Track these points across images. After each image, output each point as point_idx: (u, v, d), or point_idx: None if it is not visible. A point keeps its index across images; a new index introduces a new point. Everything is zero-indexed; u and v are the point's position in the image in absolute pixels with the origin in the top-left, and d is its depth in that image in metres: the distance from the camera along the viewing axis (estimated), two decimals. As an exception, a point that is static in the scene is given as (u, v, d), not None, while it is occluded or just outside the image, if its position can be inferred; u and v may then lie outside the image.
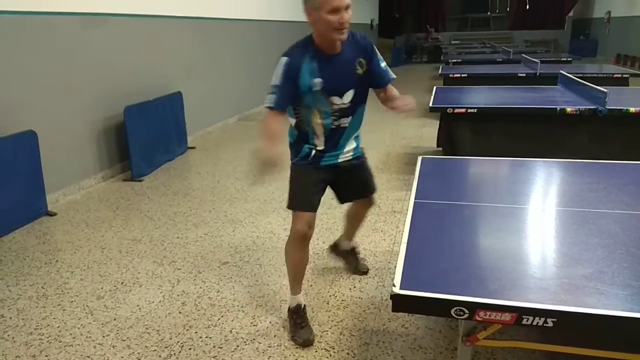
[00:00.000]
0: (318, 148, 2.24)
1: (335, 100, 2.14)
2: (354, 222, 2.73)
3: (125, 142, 4.79)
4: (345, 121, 2.22)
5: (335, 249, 2.90)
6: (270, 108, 2.06)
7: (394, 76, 2.29)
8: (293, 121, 2.23)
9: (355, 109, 2.23)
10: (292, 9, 9.76)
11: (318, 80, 2.06)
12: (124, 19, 5.03)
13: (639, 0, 14.86)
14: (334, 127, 2.21)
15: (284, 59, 2.04)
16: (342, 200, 2.52)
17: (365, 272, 2.86)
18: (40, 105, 4.07)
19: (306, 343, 2.26)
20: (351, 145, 2.33)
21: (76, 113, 4.47)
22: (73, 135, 4.46)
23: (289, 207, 2.27)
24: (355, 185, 2.44)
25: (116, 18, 4.92)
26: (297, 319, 2.33)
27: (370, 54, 2.20)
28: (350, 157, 2.33)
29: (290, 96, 2.08)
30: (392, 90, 2.28)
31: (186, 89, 5.98)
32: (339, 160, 2.30)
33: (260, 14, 8.53)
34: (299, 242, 2.26)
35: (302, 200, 2.25)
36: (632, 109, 3.90)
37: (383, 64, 2.26)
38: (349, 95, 2.16)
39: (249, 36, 8.18)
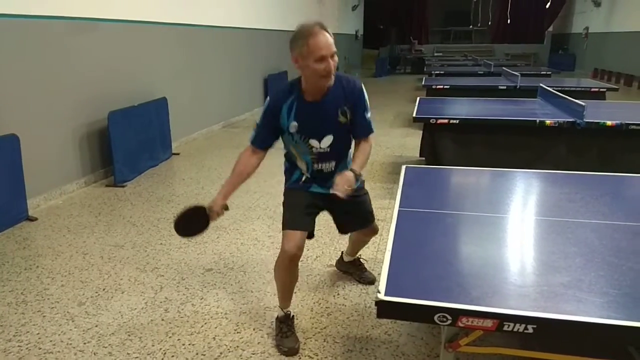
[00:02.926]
0: (307, 176, 2.32)
1: (314, 143, 2.20)
2: (356, 245, 2.84)
3: (108, 148, 4.75)
4: (329, 166, 2.27)
5: (339, 262, 3.00)
6: (250, 143, 2.25)
7: (373, 130, 2.25)
8: (284, 151, 2.36)
9: (339, 155, 2.27)
10: (278, 18, 9.83)
11: (294, 123, 2.15)
12: (109, 24, 5.00)
13: (616, 17, 15.32)
14: (316, 169, 2.27)
15: (267, 100, 2.19)
16: (341, 231, 2.58)
17: (371, 282, 2.86)
18: (22, 108, 4.02)
19: (291, 352, 2.26)
20: None
21: (59, 117, 4.42)
22: (56, 140, 4.41)
23: (282, 227, 2.28)
24: (353, 218, 2.46)
25: (102, 23, 4.89)
26: (284, 327, 2.34)
27: (356, 101, 2.17)
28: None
29: (269, 135, 2.22)
30: (362, 147, 2.22)
31: (171, 95, 5.96)
32: (330, 191, 2.24)
33: (247, 22, 8.56)
34: (287, 262, 2.24)
35: (291, 219, 2.25)
36: (608, 122, 4.01)
37: (367, 115, 2.21)
38: (327, 141, 2.20)
39: (235, 44, 8.20)
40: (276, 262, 2.32)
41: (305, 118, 2.14)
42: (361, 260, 2.95)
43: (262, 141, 2.23)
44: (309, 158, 2.25)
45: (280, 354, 2.26)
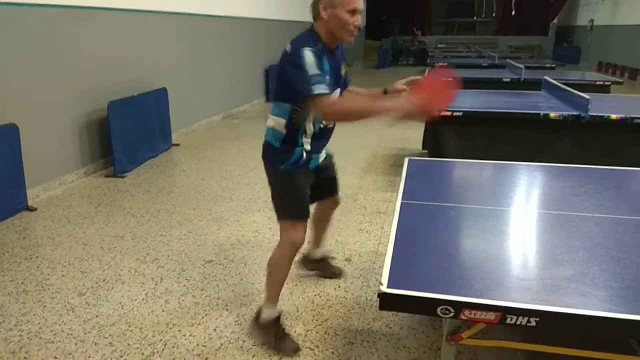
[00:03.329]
0: (306, 149, 2.13)
1: None
2: (322, 225, 2.69)
3: (108, 138, 4.73)
4: (331, 124, 2.21)
5: (305, 261, 2.85)
6: (324, 94, 1.87)
7: None
8: (283, 121, 2.07)
9: None
10: (279, 8, 9.76)
11: (327, 77, 1.97)
12: (110, 12, 4.96)
13: (621, 10, 15.19)
14: (321, 127, 2.15)
15: (309, 50, 1.89)
16: (312, 199, 2.35)
17: (339, 275, 2.84)
18: (22, 98, 3.99)
19: (297, 351, 2.21)
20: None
21: (59, 107, 4.40)
22: (55, 130, 4.39)
23: (284, 217, 2.18)
24: (327, 184, 2.40)
25: (102, 12, 4.85)
26: (278, 332, 2.24)
27: (344, 56, 2.24)
28: (325, 156, 2.33)
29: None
30: (356, 88, 2.34)
31: (171, 86, 5.93)
32: (320, 161, 2.27)
33: (248, 12, 8.51)
34: (295, 252, 2.21)
35: (301, 208, 2.18)
36: (613, 116, 3.98)
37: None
38: (336, 95, 2.11)
39: (235, 34, 8.15)
40: (281, 255, 2.21)
41: (332, 71, 2.01)
42: (328, 255, 2.89)
43: (330, 86, 1.91)
44: (320, 117, 2.10)
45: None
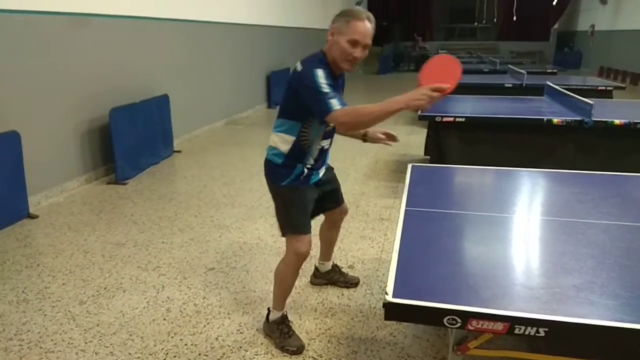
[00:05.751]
0: (308, 166, 2.19)
1: None
2: (330, 237, 2.70)
3: (109, 145, 4.71)
4: (329, 142, 2.28)
5: (317, 275, 2.84)
6: (339, 109, 1.86)
7: None
8: (290, 139, 2.11)
9: (334, 130, 2.26)
10: (281, 15, 9.79)
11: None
12: (111, 20, 4.97)
13: (622, 15, 15.21)
14: (322, 146, 2.21)
15: (320, 70, 1.92)
16: (315, 213, 2.38)
17: (357, 284, 2.82)
18: (23, 105, 3.99)
19: (300, 349, 2.24)
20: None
21: (60, 114, 4.39)
22: (57, 137, 4.38)
23: (288, 232, 2.20)
24: (330, 195, 2.43)
25: (103, 19, 4.86)
26: (284, 328, 2.31)
27: (344, 85, 2.28)
28: (324, 170, 2.35)
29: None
30: None
31: (173, 92, 5.92)
32: (320, 175, 2.30)
33: (250, 19, 8.52)
34: (300, 264, 2.24)
35: (304, 223, 2.21)
36: (616, 121, 3.96)
37: None
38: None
39: (237, 40, 8.16)
40: (287, 266, 2.24)
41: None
42: (338, 266, 2.88)
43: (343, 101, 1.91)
44: (324, 137, 2.17)
45: (283, 354, 2.23)
